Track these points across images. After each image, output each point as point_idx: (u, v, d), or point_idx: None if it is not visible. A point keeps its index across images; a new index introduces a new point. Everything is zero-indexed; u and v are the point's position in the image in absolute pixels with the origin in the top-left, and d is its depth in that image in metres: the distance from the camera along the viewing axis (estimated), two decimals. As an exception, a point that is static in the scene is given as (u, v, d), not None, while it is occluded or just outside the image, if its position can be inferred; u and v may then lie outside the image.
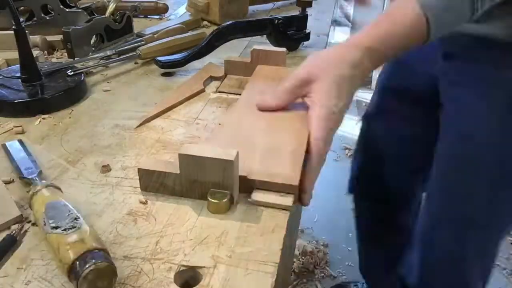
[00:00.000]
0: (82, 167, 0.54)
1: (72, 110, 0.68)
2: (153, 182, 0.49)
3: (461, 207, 0.80)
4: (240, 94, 0.72)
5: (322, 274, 1.60)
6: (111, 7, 0.96)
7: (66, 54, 0.87)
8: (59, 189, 0.47)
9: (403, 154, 0.99)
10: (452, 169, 0.80)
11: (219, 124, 0.63)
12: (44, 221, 0.41)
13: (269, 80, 0.68)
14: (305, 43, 0.94)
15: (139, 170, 0.49)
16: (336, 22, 3.19)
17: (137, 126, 0.63)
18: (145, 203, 0.48)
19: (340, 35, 3.04)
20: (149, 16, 1.13)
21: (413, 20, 0.54)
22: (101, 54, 0.84)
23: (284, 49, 0.74)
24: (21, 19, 0.71)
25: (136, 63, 0.85)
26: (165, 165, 0.49)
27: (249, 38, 0.92)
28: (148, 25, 1.05)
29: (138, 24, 1.01)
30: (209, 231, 0.44)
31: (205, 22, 1.08)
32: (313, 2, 0.93)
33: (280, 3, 1.24)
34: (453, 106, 0.79)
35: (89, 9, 1.00)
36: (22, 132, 0.62)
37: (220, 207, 0.46)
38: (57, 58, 0.88)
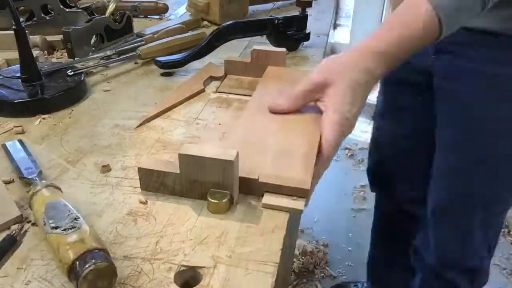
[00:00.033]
0: (82, 167, 0.54)
1: (72, 110, 0.68)
2: (153, 182, 0.49)
3: (466, 187, 0.85)
4: (240, 94, 0.72)
5: (322, 274, 1.60)
6: (111, 7, 0.96)
7: (66, 54, 0.87)
8: (59, 189, 0.47)
9: (410, 148, 1.02)
10: (452, 155, 0.85)
11: (219, 124, 0.63)
12: (44, 221, 0.41)
13: (281, 82, 0.68)
14: (305, 43, 0.93)
15: (139, 169, 0.49)
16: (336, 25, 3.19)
17: (137, 126, 0.63)
18: (145, 203, 0.48)
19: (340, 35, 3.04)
20: (149, 16, 1.13)
21: (426, 22, 0.54)
22: (101, 54, 0.84)
23: (284, 49, 0.74)
24: (21, 19, 0.71)
25: (136, 63, 0.85)
26: (165, 165, 0.49)
27: (249, 38, 0.92)
28: (148, 25, 1.05)
29: (138, 24, 1.01)
30: (209, 231, 0.44)
31: (205, 22, 1.08)
32: (313, 2, 0.93)
33: (280, 3, 1.24)
34: (447, 98, 0.82)
35: (89, 9, 1.00)
36: (22, 132, 0.62)
37: (220, 207, 0.46)
38: (57, 58, 0.88)
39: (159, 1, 1.14)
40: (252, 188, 0.48)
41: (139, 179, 0.50)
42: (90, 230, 0.39)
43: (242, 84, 0.75)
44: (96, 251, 0.37)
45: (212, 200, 0.46)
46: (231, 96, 0.72)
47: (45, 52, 0.88)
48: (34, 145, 0.59)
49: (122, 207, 0.48)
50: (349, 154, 2.19)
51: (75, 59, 0.82)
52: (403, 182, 1.08)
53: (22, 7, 0.97)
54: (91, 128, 0.63)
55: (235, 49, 0.91)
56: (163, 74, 0.80)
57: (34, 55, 0.70)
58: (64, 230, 0.39)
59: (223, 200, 0.46)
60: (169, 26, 0.95)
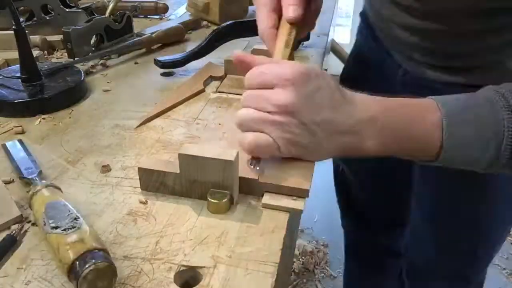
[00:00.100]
0: (82, 167, 0.54)
1: (72, 110, 0.68)
2: (153, 182, 0.49)
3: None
4: (240, 94, 0.72)
5: (322, 274, 1.61)
6: (111, 7, 0.96)
7: (66, 54, 0.87)
8: (59, 189, 0.47)
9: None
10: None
11: (219, 124, 0.63)
12: (44, 221, 0.41)
13: None
14: (305, 43, 0.93)
15: (139, 169, 0.49)
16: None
17: (137, 126, 0.63)
18: (145, 203, 0.48)
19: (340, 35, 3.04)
20: (149, 16, 1.13)
21: (434, 151, 0.50)
22: (101, 54, 0.84)
23: (284, 49, 0.74)
24: (21, 19, 0.71)
25: (136, 63, 0.85)
26: (165, 164, 0.49)
27: (249, 38, 0.91)
28: (148, 25, 1.05)
29: (138, 24, 1.01)
30: (209, 231, 0.44)
31: (205, 22, 1.08)
32: (313, 2, 0.93)
33: (280, 3, 1.23)
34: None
35: (89, 9, 0.99)
36: (22, 132, 0.62)
37: (220, 207, 0.46)
38: (57, 58, 0.88)
39: (159, 1, 1.14)
40: (252, 188, 0.48)
41: (139, 179, 0.50)
42: (90, 230, 0.39)
43: (242, 84, 0.75)
44: (96, 251, 0.37)
45: (212, 200, 0.46)
46: (231, 96, 0.72)
47: (45, 52, 0.88)
48: (34, 145, 0.59)
49: (122, 207, 0.48)
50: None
51: (75, 59, 0.82)
52: (378, 211, 1.07)
53: (22, 7, 0.97)
54: (91, 128, 0.63)
55: (235, 49, 0.91)
56: (163, 74, 0.80)
57: (34, 55, 0.70)
58: (64, 230, 0.39)
59: (223, 200, 0.46)
60: (169, 26, 0.95)
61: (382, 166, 0.68)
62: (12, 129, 0.62)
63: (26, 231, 0.44)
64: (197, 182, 0.47)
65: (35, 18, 0.94)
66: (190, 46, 0.89)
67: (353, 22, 2.93)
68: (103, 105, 0.69)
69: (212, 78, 0.77)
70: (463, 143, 0.49)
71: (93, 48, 0.87)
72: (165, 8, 1.14)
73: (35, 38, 0.87)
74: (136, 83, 0.77)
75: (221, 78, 0.77)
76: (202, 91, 0.73)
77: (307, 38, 0.93)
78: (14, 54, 0.72)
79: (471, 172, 0.53)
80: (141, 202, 0.48)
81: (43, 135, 0.61)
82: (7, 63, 0.80)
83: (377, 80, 0.77)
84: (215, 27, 0.92)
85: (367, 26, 0.82)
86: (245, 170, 0.48)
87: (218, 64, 0.81)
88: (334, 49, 2.70)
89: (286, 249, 0.45)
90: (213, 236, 0.44)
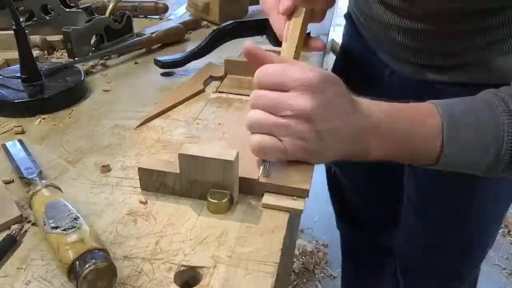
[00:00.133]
0: (82, 167, 0.54)
1: (72, 110, 0.68)
2: (153, 182, 0.49)
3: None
4: (240, 94, 0.72)
5: (322, 274, 1.61)
6: (111, 7, 0.96)
7: (66, 54, 0.87)
8: (59, 189, 0.47)
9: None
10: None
11: (219, 124, 0.63)
12: (44, 221, 0.41)
13: None
14: (305, 43, 0.93)
15: (139, 169, 0.49)
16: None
17: (137, 126, 0.63)
18: (145, 203, 0.48)
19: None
20: (149, 16, 1.13)
21: (434, 155, 0.50)
22: (101, 54, 0.84)
23: (284, 49, 0.74)
24: (21, 19, 0.71)
25: (136, 63, 0.85)
26: (165, 164, 0.49)
27: (249, 38, 0.91)
28: (148, 25, 1.05)
29: (138, 24, 1.01)
30: (209, 231, 0.44)
31: (205, 22, 1.08)
32: (313, 2, 0.93)
33: (280, 3, 1.23)
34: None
35: (89, 9, 0.99)
36: (22, 132, 0.62)
37: (220, 207, 0.46)
38: (57, 58, 0.88)
39: (159, 1, 1.14)
40: (252, 188, 0.48)
41: (139, 179, 0.50)
42: (90, 230, 0.39)
43: (242, 84, 0.75)
44: (96, 251, 0.37)
45: (212, 200, 0.46)
46: (231, 96, 0.72)
47: (45, 52, 0.88)
48: (34, 145, 0.59)
49: (122, 207, 0.48)
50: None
51: (75, 59, 0.82)
52: (372, 214, 1.07)
53: (22, 7, 0.97)
54: (91, 128, 0.63)
55: (235, 49, 0.91)
56: (163, 74, 0.80)
57: (34, 55, 0.70)
58: (64, 230, 0.39)
59: (223, 200, 0.46)
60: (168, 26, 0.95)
61: (374, 168, 0.68)
62: (12, 129, 0.62)
63: (26, 231, 0.44)
64: (197, 182, 0.47)
65: (35, 18, 0.94)
66: (190, 46, 0.89)
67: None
68: (103, 105, 0.69)
69: (212, 78, 0.77)
70: (463, 147, 0.49)
71: (93, 48, 0.87)
72: (165, 8, 1.14)
73: (35, 38, 0.87)
74: (136, 83, 0.77)
75: (221, 78, 0.77)
76: (202, 91, 0.73)
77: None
78: (14, 54, 0.72)
79: (461, 173, 0.53)
80: (141, 202, 0.48)
81: (43, 135, 0.61)
82: (7, 63, 0.80)
83: (364, 80, 0.77)
84: (215, 27, 0.92)
85: (353, 27, 0.82)
86: (245, 170, 0.48)
87: (218, 64, 0.81)
88: (334, 49, 2.70)
89: (286, 249, 0.45)
90: (213, 236, 0.44)
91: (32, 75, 0.69)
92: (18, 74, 0.70)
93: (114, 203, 0.48)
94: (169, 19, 1.11)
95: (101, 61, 0.84)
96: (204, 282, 0.39)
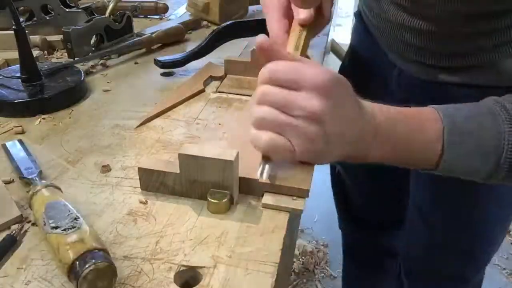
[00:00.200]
0: (82, 167, 0.54)
1: (72, 110, 0.68)
2: (153, 182, 0.49)
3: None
4: (240, 94, 0.72)
5: (322, 274, 1.61)
6: (111, 7, 0.96)
7: (66, 54, 0.87)
8: (59, 189, 0.47)
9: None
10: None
11: (219, 124, 0.63)
12: (44, 221, 0.41)
13: None
14: (305, 43, 0.93)
15: (139, 169, 0.49)
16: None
17: (137, 126, 0.63)
18: (145, 203, 0.48)
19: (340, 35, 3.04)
20: (149, 16, 1.13)
21: (434, 160, 0.50)
22: (101, 54, 0.84)
23: (284, 49, 0.74)
24: (21, 19, 0.71)
25: (136, 63, 0.85)
26: (165, 164, 0.49)
27: (249, 38, 0.91)
28: (148, 25, 1.05)
29: (138, 24, 1.01)
30: (209, 231, 0.44)
31: (205, 22, 1.08)
32: (313, 2, 0.93)
33: (280, 3, 1.23)
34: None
35: (89, 9, 0.99)
36: (22, 132, 0.62)
37: (220, 207, 0.46)
38: (57, 58, 0.88)
39: (159, 1, 1.14)
40: (252, 188, 0.48)
41: (139, 179, 0.50)
42: (90, 230, 0.39)
43: (242, 84, 0.75)
44: (96, 251, 0.37)
45: (212, 200, 0.46)
46: (231, 96, 0.72)
47: (45, 52, 0.88)
48: (34, 145, 0.59)
49: (122, 207, 0.48)
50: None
51: (75, 59, 0.82)
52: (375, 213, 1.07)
53: (22, 7, 0.97)
54: (91, 128, 0.63)
55: (235, 49, 0.91)
56: (163, 74, 0.80)
57: (34, 55, 0.70)
58: (64, 230, 0.39)
59: (223, 200, 0.46)
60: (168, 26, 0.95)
61: (379, 169, 0.68)
62: (12, 129, 0.62)
63: (26, 231, 0.44)
64: (197, 182, 0.47)
65: (35, 18, 0.94)
66: (190, 46, 0.89)
67: (353, 22, 2.93)
68: (103, 105, 0.69)
69: (212, 78, 0.77)
70: (464, 153, 0.49)
71: (93, 48, 0.87)
72: (165, 8, 1.14)
73: (35, 38, 0.87)
74: (136, 83, 0.77)
75: (221, 78, 0.77)
76: (202, 91, 0.73)
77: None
78: (14, 54, 0.72)
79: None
80: (141, 202, 0.48)
81: (43, 135, 0.61)
82: (7, 63, 0.80)
83: (372, 80, 0.76)
84: (215, 27, 0.92)
85: (362, 26, 0.82)
86: (245, 170, 0.48)
87: (218, 64, 0.81)
88: (334, 49, 2.70)
89: (286, 249, 0.45)
90: (213, 236, 0.44)
91: (32, 75, 0.69)
92: (18, 74, 0.70)
93: (114, 203, 0.48)
94: (169, 19, 1.11)
95: (101, 61, 0.84)
96: (204, 282, 0.39)
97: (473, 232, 0.78)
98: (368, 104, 0.49)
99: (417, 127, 0.50)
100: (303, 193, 0.47)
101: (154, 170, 0.48)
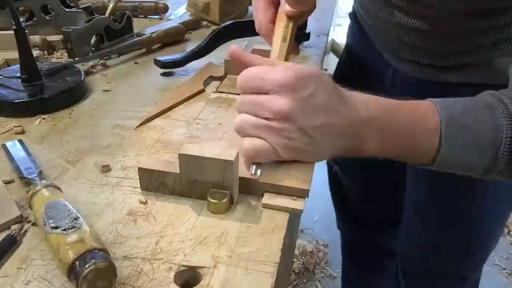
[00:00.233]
0: (82, 167, 0.54)
1: (72, 110, 0.68)
2: (153, 182, 0.49)
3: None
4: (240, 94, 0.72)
5: (322, 274, 1.61)
6: (111, 7, 0.96)
7: (66, 54, 0.87)
8: (59, 189, 0.47)
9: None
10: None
11: (219, 124, 0.63)
12: (44, 221, 0.41)
13: None
14: (305, 43, 0.93)
15: (139, 169, 0.49)
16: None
17: (137, 126, 0.63)
18: (145, 203, 0.48)
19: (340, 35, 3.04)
20: (149, 16, 1.13)
21: (431, 154, 0.50)
22: (101, 54, 0.84)
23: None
24: (21, 19, 0.71)
25: (136, 63, 0.85)
26: (165, 164, 0.49)
27: (249, 38, 0.91)
28: (148, 25, 1.05)
29: (138, 24, 1.01)
30: (209, 231, 0.44)
31: (205, 22, 1.08)
32: (313, 2, 0.93)
33: (280, 3, 1.23)
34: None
35: (89, 9, 0.99)
36: (22, 132, 0.62)
37: (220, 207, 0.46)
38: (57, 58, 0.88)
39: (159, 1, 1.14)
40: (252, 188, 0.48)
41: (139, 179, 0.50)
42: (90, 230, 0.39)
43: (242, 84, 0.75)
44: (96, 251, 0.37)
45: (212, 200, 0.46)
46: (231, 96, 0.72)
47: (45, 52, 0.88)
48: (34, 145, 0.59)
49: (122, 207, 0.48)
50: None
51: (75, 59, 0.82)
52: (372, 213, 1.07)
53: (22, 7, 0.97)
54: (91, 128, 0.63)
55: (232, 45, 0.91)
56: (163, 74, 0.80)
57: (34, 55, 0.70)
58: (64, 230, 0.39)
59: (223, 200, 0.46)
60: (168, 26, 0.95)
61: (375, 168, 0.68)
62: (12, 129, 0.62)
63: (26, 231, 0.44)
64: (197, 182, 0.47)
65: (35, 18, 0.94)
66: (190, 46, 0.89)
67: (352, 22, 2.92)
68: (103, 105, 0.69)
69: (212, 78, 0.77)
70: (461, 147, 0.49)
71: (93, 48, 0.87)
72: (165, 8, 1.14)
73: (35, 38, 0.87)
74: (136, 83, 0.77)
75: (221, 78, 0.77)
76: (202, 91, 0.73)
77: (307, 38, 0.93)
78: (14, 54, 0.72)
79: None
80: (141, 202, 0.48)
81: (43, 135, 0.61)
82: (7, 63, 0.80)
83: (368, 79, 0.76)
84: (215, 27, 0.92)
85: (357, 26, 0.82)
86: (245, 170, 0.48)
87: (218, 64, 0.81)
88: (334, 49, 2.70)
89: (286, 249, 0.45)
90: (213, 236, 0.44)
91: (32, 75, 0.69)
92: (18, 74, 0.70)
93: (114, 203, 0.48)
94: (169, 19, 1.11)
95: (101, 61, 0.84)
96: (204, 282, 0.39)
97: (470, 228, 0.78)
98: (359, 96, 0.50)
99: (415, 119, 0.50)
100: (303, 193, 0.47)
101: (154, 170, 0.48)
